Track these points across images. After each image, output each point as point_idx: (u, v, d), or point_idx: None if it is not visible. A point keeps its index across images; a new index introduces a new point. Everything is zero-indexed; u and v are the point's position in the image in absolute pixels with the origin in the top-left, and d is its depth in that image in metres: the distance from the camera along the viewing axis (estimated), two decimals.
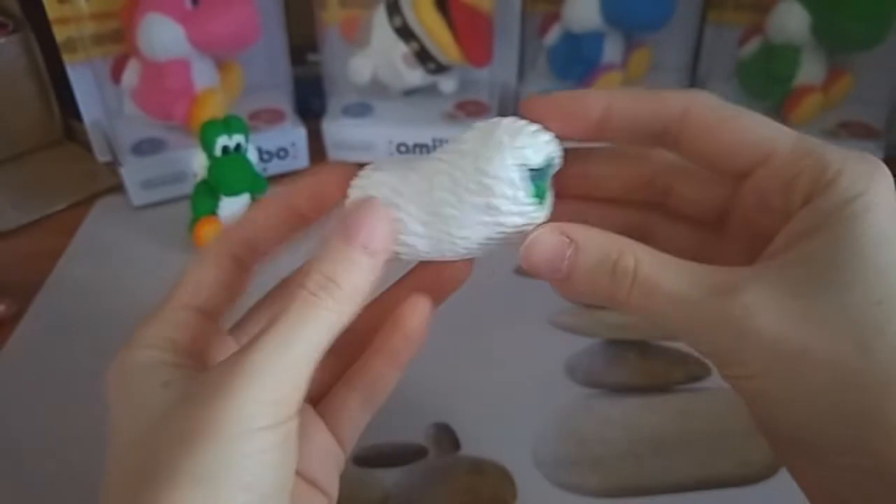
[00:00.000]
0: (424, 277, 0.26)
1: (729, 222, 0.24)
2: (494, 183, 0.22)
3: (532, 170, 0.22)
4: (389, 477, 0.33)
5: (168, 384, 0.21)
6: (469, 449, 0.35)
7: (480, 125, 0.23)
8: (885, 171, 0.21)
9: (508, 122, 0.22)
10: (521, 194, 0.22)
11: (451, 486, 0.33)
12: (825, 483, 0.21)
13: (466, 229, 0.22)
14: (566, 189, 0.25)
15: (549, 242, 0.22)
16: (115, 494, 0.21)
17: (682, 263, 0.21)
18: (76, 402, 0.38)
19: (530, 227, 0.22)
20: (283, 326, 0.21)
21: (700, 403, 0.37)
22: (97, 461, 0.36)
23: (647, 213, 0.26)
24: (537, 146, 0.22)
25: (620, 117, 0.23)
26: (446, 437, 0.35)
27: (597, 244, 0.22)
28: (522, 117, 0.23)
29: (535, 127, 0.23)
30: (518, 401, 0.37)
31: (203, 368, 0.23)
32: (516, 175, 0.22)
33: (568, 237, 0.22)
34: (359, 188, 0.23)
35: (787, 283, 0.20)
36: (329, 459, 0.24)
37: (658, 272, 0.21)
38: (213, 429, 0.19)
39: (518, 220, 0.22)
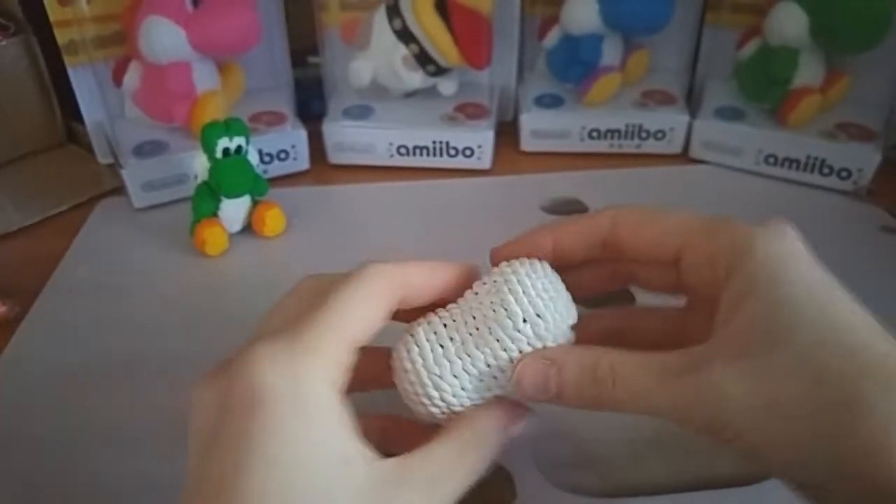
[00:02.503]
0: None
1: (688, 299, 0.29)
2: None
3: None
4: None
5: (350, 462, 0.22)
6: None
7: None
8: (793, 231, 0.25)
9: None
10: None
11: None
12: None
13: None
14: None
15: (534, 368, 0.25)
16: None
17: (652, 356, 0.24)
18: (78, 403, 0.38)
19: None
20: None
21: None
22: (99, 461, 0.36)
23: (624, 313, 0.31)
24: None
25: (567, 244, 0.28)
26: None
27: (575, 359, 0.25)
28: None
29: None
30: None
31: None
32: None
33: (549, 360, 0.25)
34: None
35: (740, 349, 0.23)
36: None
37: (633, 370, 0.24)
38: None
39: None
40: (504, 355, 0.26)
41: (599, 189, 0.55)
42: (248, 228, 0.50)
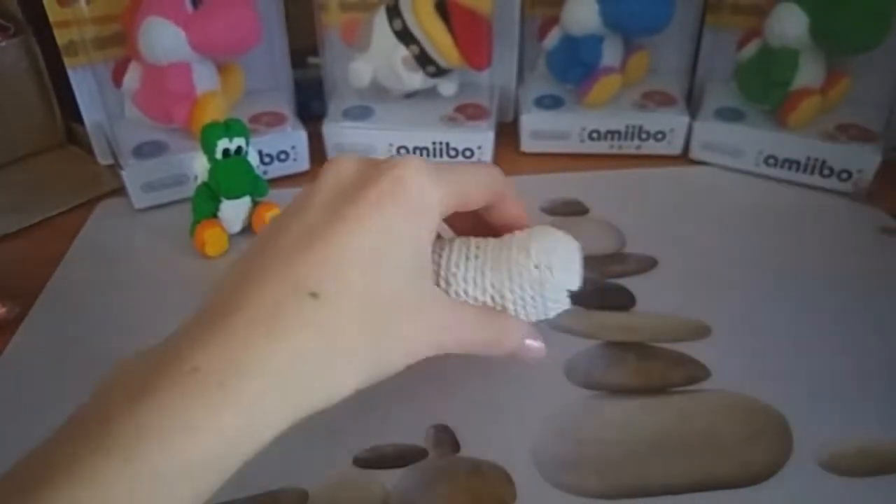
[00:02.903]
0: None
1: None
2: None
3: None
4: (390, 478, 0.33)
5: (423, 274, 0.29)
6: (469, 450, 0.35)
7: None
8: None
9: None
10: None
11: (450, 486, 0.33)
12: None
13: None
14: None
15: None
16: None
17: None
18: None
19: None
20: None
21: (699, 405, 0.37)
22: None
23: None
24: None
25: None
26: (446, 438, 0.35)
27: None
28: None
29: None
30: (517, 402, 0.37)
31: None
32: None
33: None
34: None
35: None
36: None
37: None
38: None
39: None
40: (507, 284, 0.31)
41: (599, 190, 0.55)
42: (249, 229, 0.50)
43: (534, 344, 0.32)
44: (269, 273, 0.26)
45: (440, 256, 0.32)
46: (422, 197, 0.28)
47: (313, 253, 0.26)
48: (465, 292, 0.32)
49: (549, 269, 0.31)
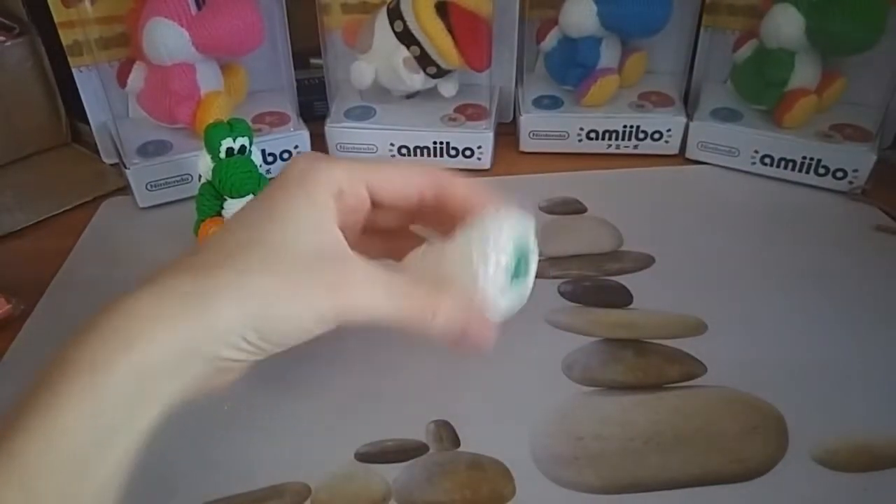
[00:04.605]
0: None
1: None
2: None
3: None
4: (391, 473, 0.34)
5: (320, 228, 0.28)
6: (468, 445, 0.35)
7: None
8: None
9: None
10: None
11: (451, 481, 0.34)
12: None
13: None
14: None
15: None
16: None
17: None
18: None
19: None
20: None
21: (695, 401, 0.37)
22: None
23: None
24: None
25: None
26: (446, 433, 0.36)
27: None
28: None
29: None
30: (516, 398, 0.38)
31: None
32: None
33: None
34: None
35: None
36: None
37: None
38: None
39: None
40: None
41: (597, 189, 0.56)
42: None
43: (478, 329, 0.29)
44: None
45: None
46: (304, 173, 0.29)
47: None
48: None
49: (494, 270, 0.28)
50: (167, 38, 0.52)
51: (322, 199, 0.29)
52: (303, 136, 0.58)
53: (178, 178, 0.54)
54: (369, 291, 0.27)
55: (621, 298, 0.44)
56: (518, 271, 0.29)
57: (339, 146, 0.59)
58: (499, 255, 0.28)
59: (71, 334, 0.24)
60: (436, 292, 0.28)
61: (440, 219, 0.32)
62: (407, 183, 0.31)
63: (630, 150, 0.60)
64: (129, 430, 0.24)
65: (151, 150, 0.55)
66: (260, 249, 0.27)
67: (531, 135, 0.60)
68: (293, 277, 0.27)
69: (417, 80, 0.58)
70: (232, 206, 0.48)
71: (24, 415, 0.22)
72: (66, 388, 0.22)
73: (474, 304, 0.28)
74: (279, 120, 0.59)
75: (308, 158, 0.29)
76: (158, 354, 0.24)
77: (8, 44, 0.57)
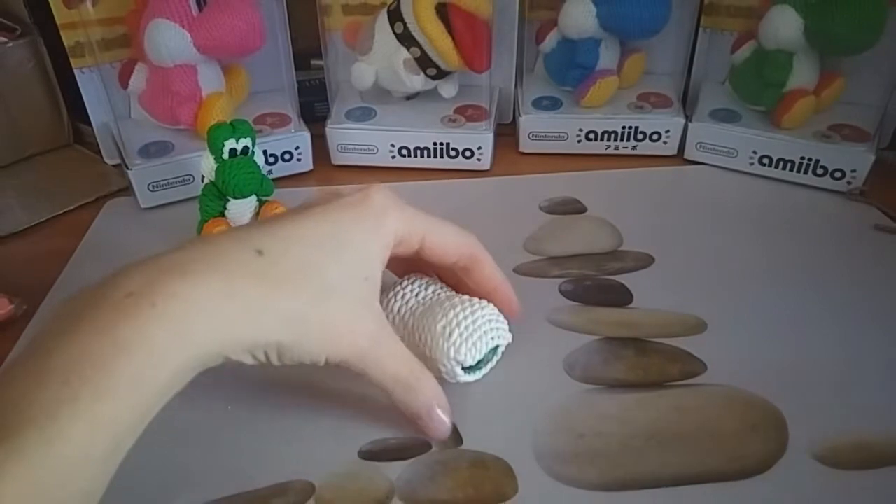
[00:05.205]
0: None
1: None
2: None
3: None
4: (394, 471, 0.34)
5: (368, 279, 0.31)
6: (471, 444, 0.35)
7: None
8: None
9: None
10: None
11: (453, 479, 0.34)
12: None
13: None
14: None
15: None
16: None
17: None
18: None
19: None
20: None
21: (695, 399, 0.38)
22: None
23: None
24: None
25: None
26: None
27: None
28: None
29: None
30: (518, 397, 0.38)
31: None
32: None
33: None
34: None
35: None
36: None
37: None
38: None
39: None
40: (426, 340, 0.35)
41: (597, 189, 0.56)
42: None
43: (442, 416, 0.34)
44: (225, 235, 0.29)
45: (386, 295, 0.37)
46: (381, 213, 0.31)
47: (270, 226, 0.29)
48: (396, 313, 0.36)
49: (456, 364, 0.36)
50: (169, 39, 0.52)
51: (388, 241, 0.31)
52: (304, 137, 0.58)
53: (179, 179, 0.54)
54: (392, 369, 0.32)
55: (622, 298, 0.45)
56: (479, 365, 0.37)
57: (339, 147, 0.59)
58: (470, 353, 0.36)
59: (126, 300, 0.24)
60: (427, 378, 0.33)
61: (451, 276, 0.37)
62: (454, 251, 0.35)
63: (629, 151, 0.60)
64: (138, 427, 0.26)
65: (153, 150, 0.55)
66: (318, 279, 0.28)
67: (531, 135, 0.61)
68: (338, 322, 0.29)
69: (417, 82, 0.59)
70: (235, 206, 0.48)
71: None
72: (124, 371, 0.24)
73: (443, 401, 0.34)
74: (280, 121, 0.59)
75: (385, 196, 0.32)
76: (203, 352, 0.26)
77: (10, 45, 0.57)
